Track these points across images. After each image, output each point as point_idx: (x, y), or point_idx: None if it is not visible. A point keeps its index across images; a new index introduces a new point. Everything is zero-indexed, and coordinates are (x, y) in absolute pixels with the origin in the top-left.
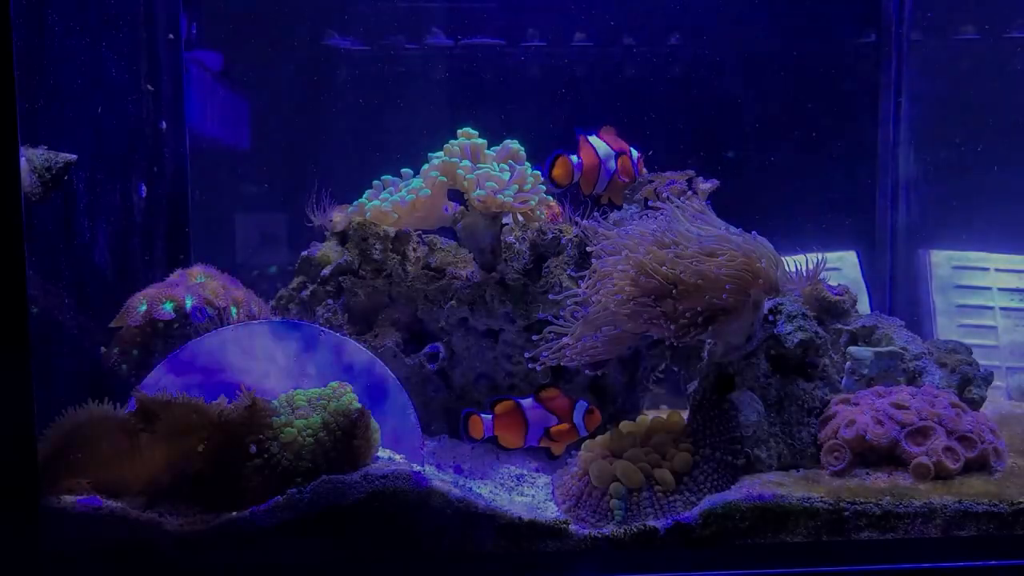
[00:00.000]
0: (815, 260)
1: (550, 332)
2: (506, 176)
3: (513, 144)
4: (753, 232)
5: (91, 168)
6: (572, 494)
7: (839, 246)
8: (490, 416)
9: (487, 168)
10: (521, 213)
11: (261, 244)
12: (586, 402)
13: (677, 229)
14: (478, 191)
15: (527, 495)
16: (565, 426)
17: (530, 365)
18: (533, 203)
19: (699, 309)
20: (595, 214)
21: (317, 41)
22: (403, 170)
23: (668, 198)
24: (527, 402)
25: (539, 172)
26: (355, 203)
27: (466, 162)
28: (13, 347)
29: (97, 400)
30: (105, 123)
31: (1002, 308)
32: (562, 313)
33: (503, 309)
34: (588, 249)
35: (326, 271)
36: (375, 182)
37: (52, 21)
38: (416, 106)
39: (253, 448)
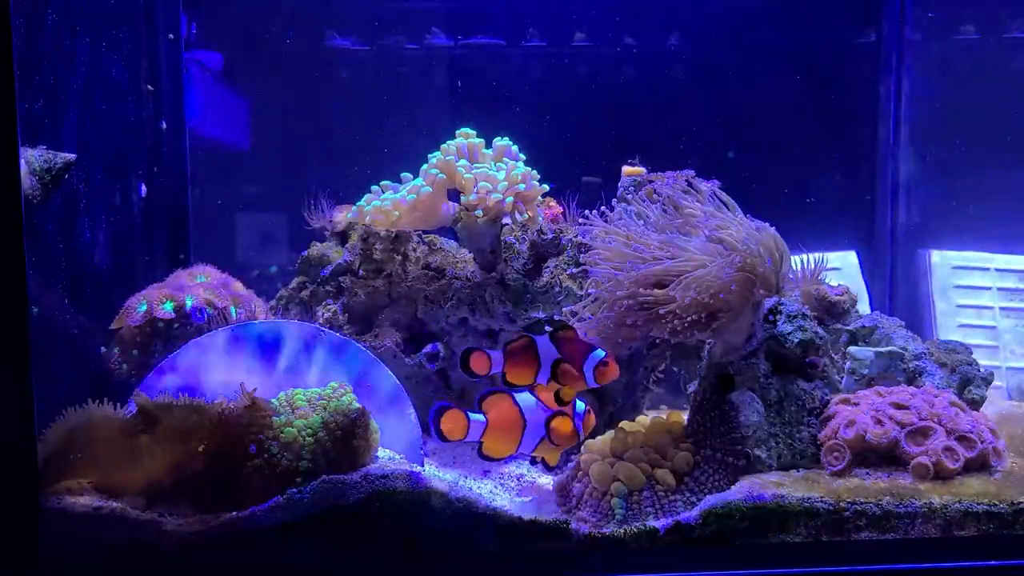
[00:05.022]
0: (815, 260)
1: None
2: (501, 175)
3: (502, 141)
4: (766, 224)
5: (91, 168)
6: (573, 495)
7: (839, 246)
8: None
9: (483, 167)
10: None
11: (261, 244)
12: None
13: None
14: (470, 196)
15: (527, 495)
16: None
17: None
18: (509, 200)
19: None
20: (591, 212)
21: (317, 41)
22: (403, 174)
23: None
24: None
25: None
26: (355, 206)
27: (463, 160)
28: (13, 347)
29: (97, 400)
30: (105, 123)
31: (1002, 308)
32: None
33: (503, 309)
34: (583, 261)
35: (326, 271)
36: (373, 187)
37: (52, 21)
38: (416, 106)
39: (253, 448)
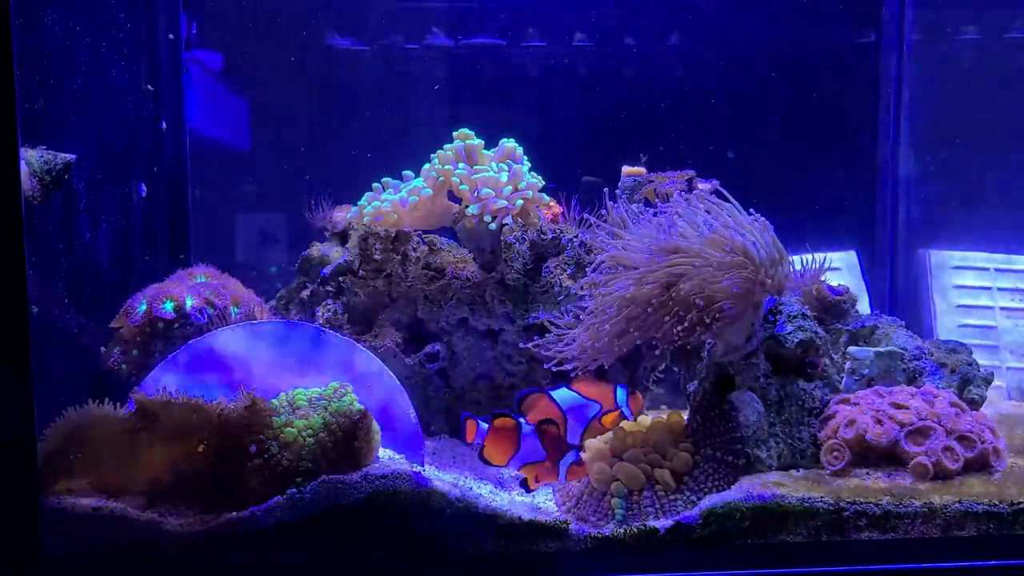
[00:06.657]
0: (817, 260)
1: (551, 335)
2: (504, 177)
3: (509, 143)
4: (768, 224)
5: (91, 168)
6: (572, 495)
7: (839, 246)
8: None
9: (484, 171)
10: (517, 214)
11: (261, 244)
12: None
13: (681, 230)
14: (471, 208)
15: (527, 495)
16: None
17: (535, 345)
18: (519, 203)
19: (699, 314)
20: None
21: (317, 41)
22: (404, 172)
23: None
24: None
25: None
26: (355, 206)
27: (461, 167)
28: (13, 347)
29: (97, 400)
30: (105, 123)
31: (1002, 308)
32: (565, 312)
33: (503, 309)
34: (588, 266)
35: (326, 271)
36: (375, 184)
37: (52, 21)
38: (416, 106)
39: (253, 448)
